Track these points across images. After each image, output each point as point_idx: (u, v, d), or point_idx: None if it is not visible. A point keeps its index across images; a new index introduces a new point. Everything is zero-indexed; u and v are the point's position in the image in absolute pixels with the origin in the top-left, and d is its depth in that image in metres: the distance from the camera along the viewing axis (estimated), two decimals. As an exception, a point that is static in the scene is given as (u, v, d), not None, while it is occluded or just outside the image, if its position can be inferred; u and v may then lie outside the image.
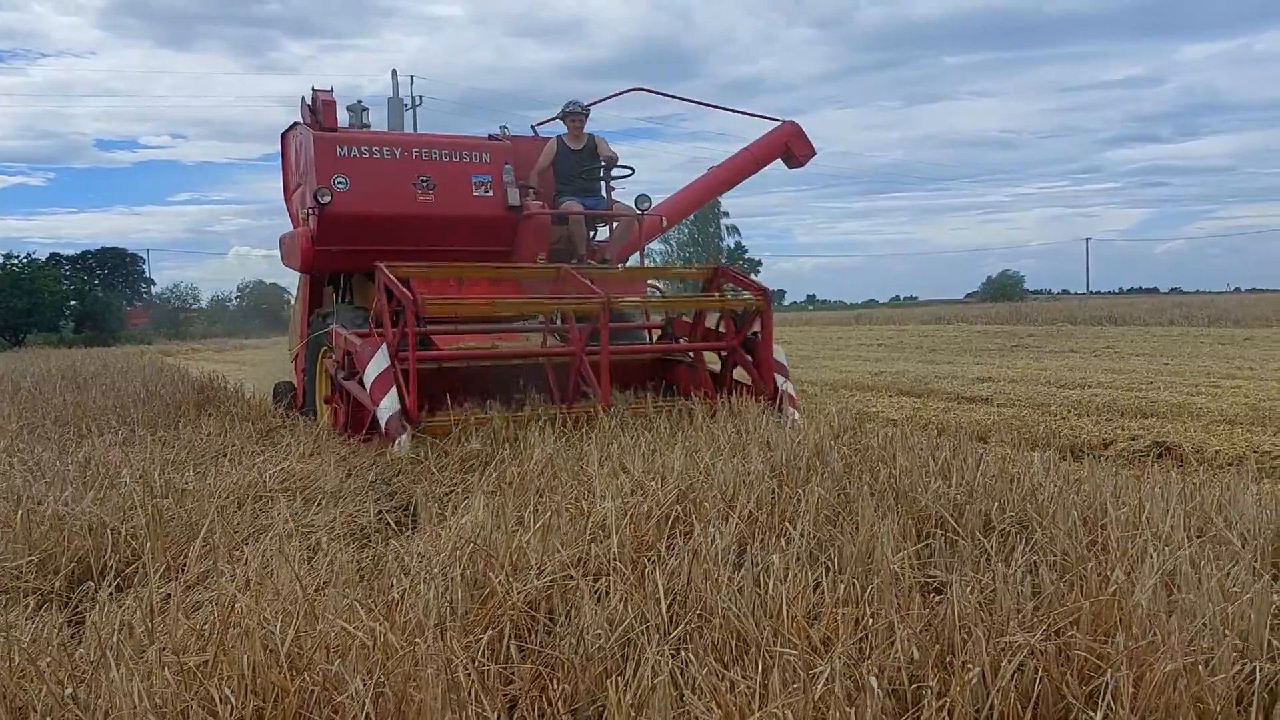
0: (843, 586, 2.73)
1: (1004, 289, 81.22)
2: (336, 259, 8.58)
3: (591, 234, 9.29)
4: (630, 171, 9.23)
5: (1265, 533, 3.16)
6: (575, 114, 9.21)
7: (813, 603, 2.85)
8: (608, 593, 2.92)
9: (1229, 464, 6.85)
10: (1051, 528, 3.36)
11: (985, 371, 14.62)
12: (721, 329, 7.92)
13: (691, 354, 8.01)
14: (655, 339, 8.63)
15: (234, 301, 66.86)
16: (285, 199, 9.64)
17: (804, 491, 3.68)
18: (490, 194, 8.76)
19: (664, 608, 2.77)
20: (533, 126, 9.89)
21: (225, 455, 6.55)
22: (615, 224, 9.25)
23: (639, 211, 9.08)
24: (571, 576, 2.89)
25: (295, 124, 9.11)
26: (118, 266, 67.75)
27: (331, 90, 8.65)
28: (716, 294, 7.91)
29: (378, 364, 6.28)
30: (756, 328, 7.67)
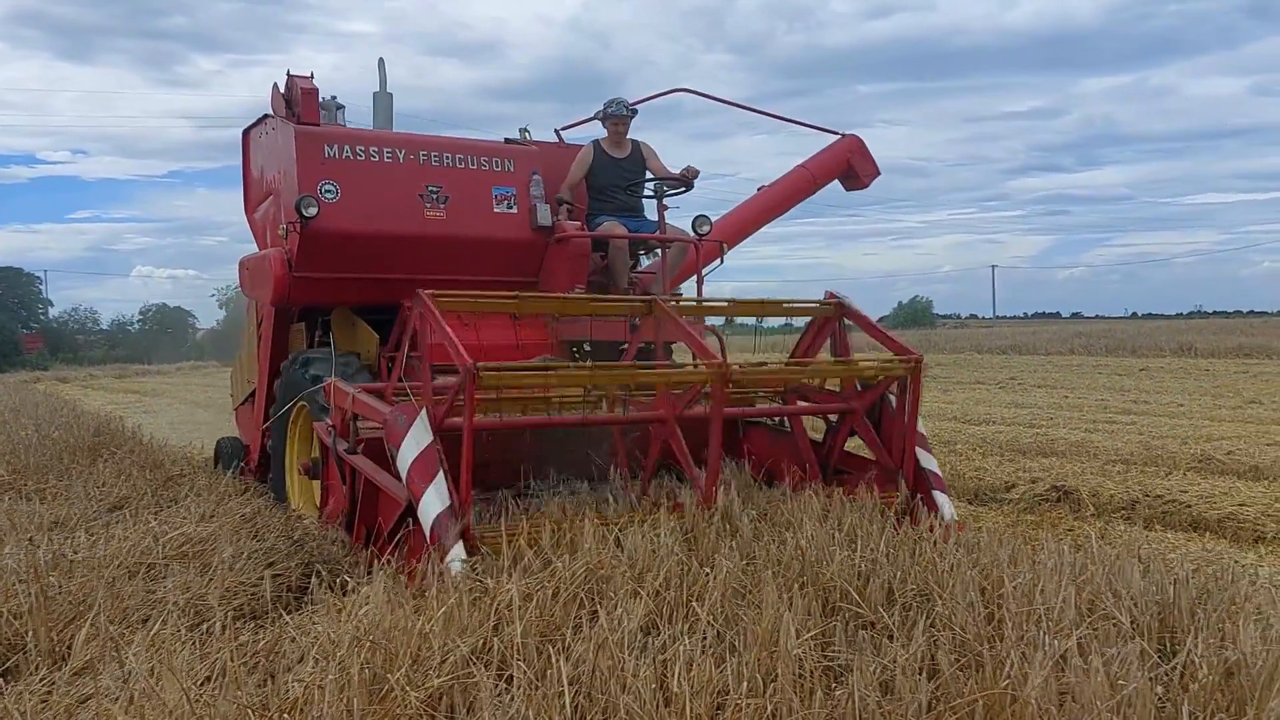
0: (745, 682, 2.74)
1: (915, 314, 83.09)
2: (320, 289, 6.85)
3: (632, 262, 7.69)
4: (688, 188, 7.48)
5: (1151, 608, 3.29)
6: (618, 116, 7.51)
7: (718, 689, 2.86)
8: (510, 684, 2.88)
9: (1122, 508, 7.11)
10: (951, 601, 3.43)
11: (895, 405, 14.93)
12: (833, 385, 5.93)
13: (782, 418, 6.11)
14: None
15: (136, 325, 64.88)
16: (246, 212, 7.93)
17: (713, 566, 3.69)
18: (514, 210, 7.16)
19: (568, 701, 2.74)
20: (557, 131, 8.18)
21: (121, 509, 6.34)
22: (669, 251, 7.49)
23: (697, 236, 7.41)
24: (473, 673, 2.84)
25: (265, 117, 7.39)
26: (13, 287, 64.97)
27: (312, 76, 7.01)
28: (832, 337, 5.84)
29: (417, 439, 4.48)
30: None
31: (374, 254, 6.73)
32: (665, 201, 7.51)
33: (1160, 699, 2.66)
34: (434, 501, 4.33)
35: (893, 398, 5.53)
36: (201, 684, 2.97)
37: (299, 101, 6.86)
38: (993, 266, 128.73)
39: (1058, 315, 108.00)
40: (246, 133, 7.85)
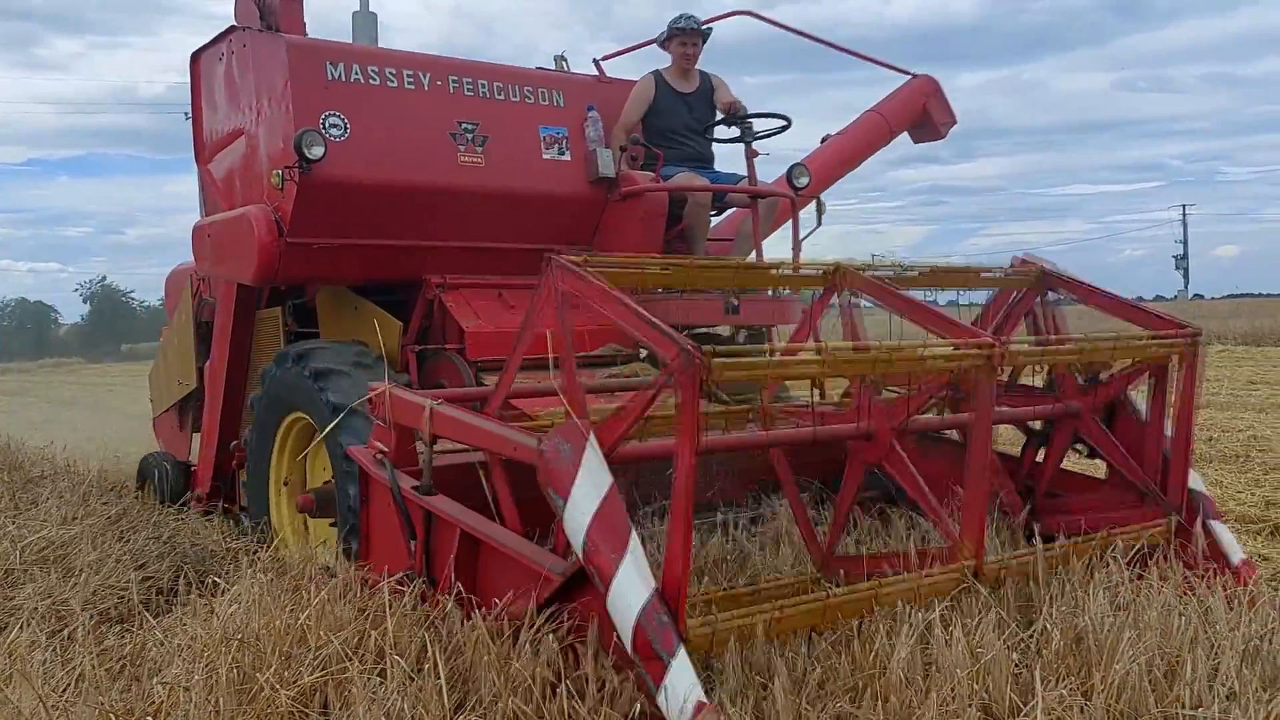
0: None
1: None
2: (319, 261, 5.17)
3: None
4: (787, 125, 5.89)
5: (1010, 580, 3.44)
6: (689, 31, 5.92)
7: (609, 685, 2.87)
8: (383, 677, 2.84)
9: (992, 487, 7.43)
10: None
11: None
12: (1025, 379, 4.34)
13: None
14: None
15: (-6, 321, 61.54)
16: (199, 161, 6.19)
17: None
18: (566, 156, 5.65)
19: (445, 695, 2.72)
20: (596, 62, 6.47)
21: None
22: (759, 207, 5.91)
23: (795, 189, 6.00)
24: (346, 667, 2.80)
25: (230, 31, 5.61)
26: None
27: None
28: (1030, 317, 4.39)
29: (594, 482, 2.78)
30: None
31: (393, 212, 5.19)
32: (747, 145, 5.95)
33: (1016, 665, 2.79)
34: (635, 584, 2.62)
35: (1134, 396, 4.10)
36: (62, 691, 2.85)
37: (277, 10, 5.29)
38: (873, 255, 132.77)
39: (935, 303, 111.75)
40: (196, 57, 6.05)
